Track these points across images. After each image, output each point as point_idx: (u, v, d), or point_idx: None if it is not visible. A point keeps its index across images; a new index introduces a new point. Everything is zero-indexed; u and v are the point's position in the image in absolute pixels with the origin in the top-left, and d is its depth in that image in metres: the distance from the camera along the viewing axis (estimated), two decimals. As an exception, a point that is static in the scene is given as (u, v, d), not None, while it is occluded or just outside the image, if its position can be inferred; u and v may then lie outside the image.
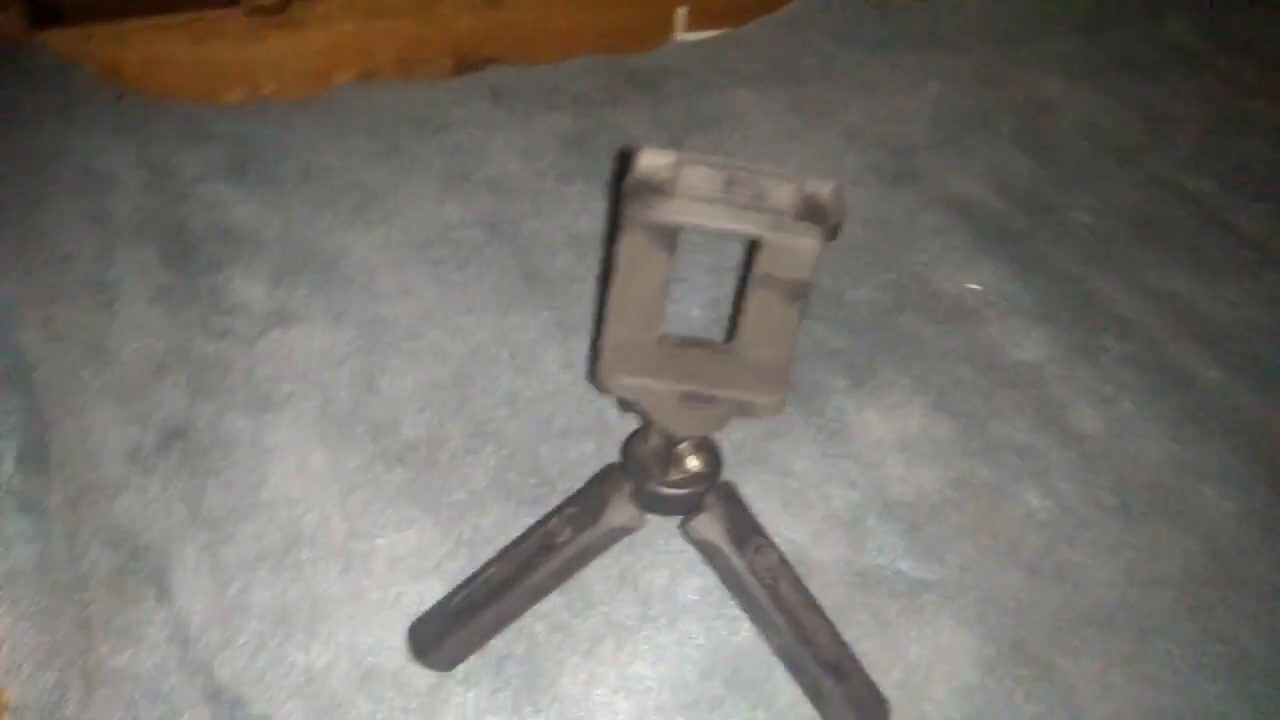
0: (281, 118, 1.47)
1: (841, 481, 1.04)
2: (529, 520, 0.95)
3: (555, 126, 1.51)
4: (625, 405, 0.78)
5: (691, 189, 0.65)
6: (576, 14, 1.68)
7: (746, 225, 0.65)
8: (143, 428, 1.00)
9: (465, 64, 1.64)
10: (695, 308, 1.21)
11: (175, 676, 0.82)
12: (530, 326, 1.17)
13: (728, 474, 0.82)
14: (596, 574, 0.92)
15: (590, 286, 1.23)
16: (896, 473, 1.06)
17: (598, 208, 1.36)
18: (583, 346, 1.15)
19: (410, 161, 1.41)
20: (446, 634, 0.84)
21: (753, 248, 0.67)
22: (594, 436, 1.05)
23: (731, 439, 1.07)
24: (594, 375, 0.73)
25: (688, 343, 0.74)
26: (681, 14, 1.77)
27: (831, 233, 0.65)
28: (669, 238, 0.66)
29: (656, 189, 0.64)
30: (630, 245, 0.67)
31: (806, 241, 0.64)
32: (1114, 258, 1.39)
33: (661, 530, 0.96)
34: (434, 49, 1.62)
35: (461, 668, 0.85)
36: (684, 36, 1.79)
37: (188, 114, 1.44)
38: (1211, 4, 1.99)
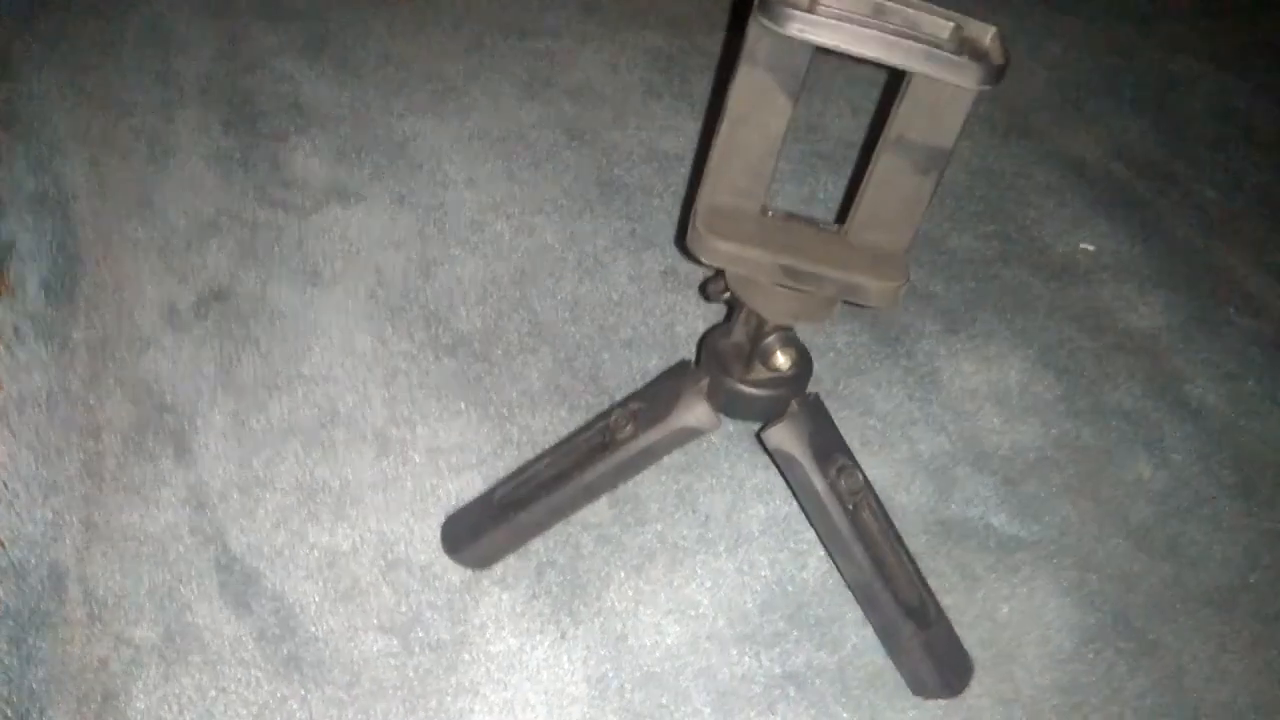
0: (365, 5, 1.39)
1: (930, 426, 0.94)
2: (584, 425, 0.87)
3: (647, 43, 1.42)
4: (709, 292, 0.69)
5: (835, 10, 0.55)
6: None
7: (899, 54, 0.55)
8: (182, 285, 0.93)
9: (560, -24, 1.55)
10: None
11: (186, 542, 0.75)
12: (602, 233, 1.08)
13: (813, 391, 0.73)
14: (652, 490, 0.84)
15: (667, 201, 1.14)
16: (991, 424, 0.96)
17: (684, 125, 1.27)
18: (655, 261, 1.06)
19: (494, 60, 1.33)
20: (484, 528, 0.76)
21: (889, 101, 0.57)
22: (659, 350, 0.96)
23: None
24: (685, 237, 0.64)
25: (795, 217, 0.65)
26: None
27: (995, 76, 0.55)
28: (798, 69, 0.56)
29: (795, 4, 0.55)
30: (748, 82, 0.57)
31: (965, 80, 0.55)
32: (1240, 234, 1.26)
33: (728, 452, 0.87)
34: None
35: (498, 567, 0.76)
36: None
37: (270, -10, 1.37)
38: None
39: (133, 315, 0.89)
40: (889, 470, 0.90)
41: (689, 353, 0.97)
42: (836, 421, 0.92)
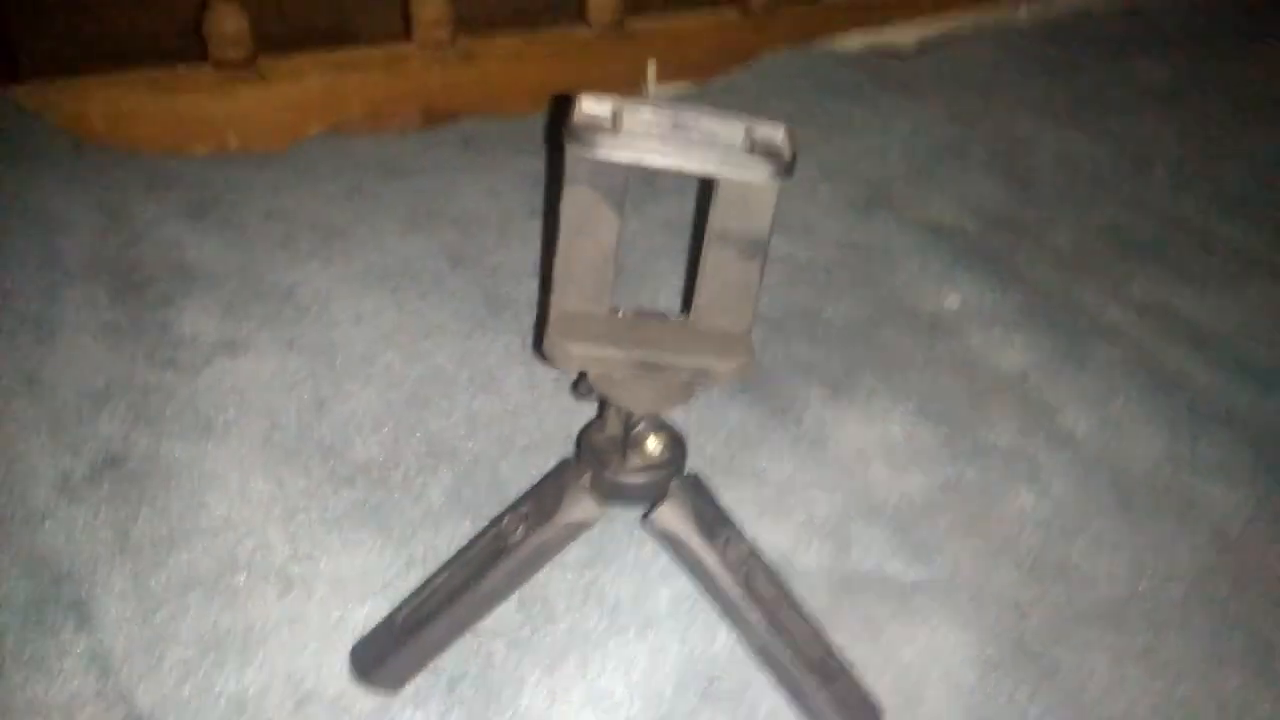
0: (247, 167, 1.45)
1: (823, 488, 0.98)
2: (486, 535, 0.89)
3: (523, 169, 1.49)
4: (580, 390, 0.73)
5: (638, 130, 0.61)
6: (548, 67, 1.68)
7: (697, 162, 0.61)
8: (75, 457, 0.94)
9: (436, 117, 1.63)
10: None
11: (91, 708, 0.74)
12: (493, 349, 1.12)
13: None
14: (559, 588, 0.86)
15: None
16: (880, 478, 1.00)
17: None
18: (548, 369, 1.10)
19: (374, 203, 1.38)
20: (392, 650, 0.77)
21: (707, 201, 0.63)
22: (558, 451, 0.99)
23: (704, 451, 1.01)
24: (541, 345, 0.68)
25: (642, 314, 0.70)
26: (653, 67, 1.77)
27: (786, 169, 0.61)
28: (618, 184, 0.62)
29: (601, 129, 0.60)
30: (574, 200, 0.63)
31: (760, 177, 0.61)
32: (1095, 271, 1.35)
33: (630, 541, 0.90)
34: (404, 102, 1.61)
35: (410, 687, 0.77)
36: (656, 89, 1.79)
37: (150, 164, 1.41)
38: (1181, 48, 2.01)
39: (25, 495, 0.90)
40: (788, 536, 0.93)
41: (585, 451, 1.00)
42: (734, 496, 0.95)
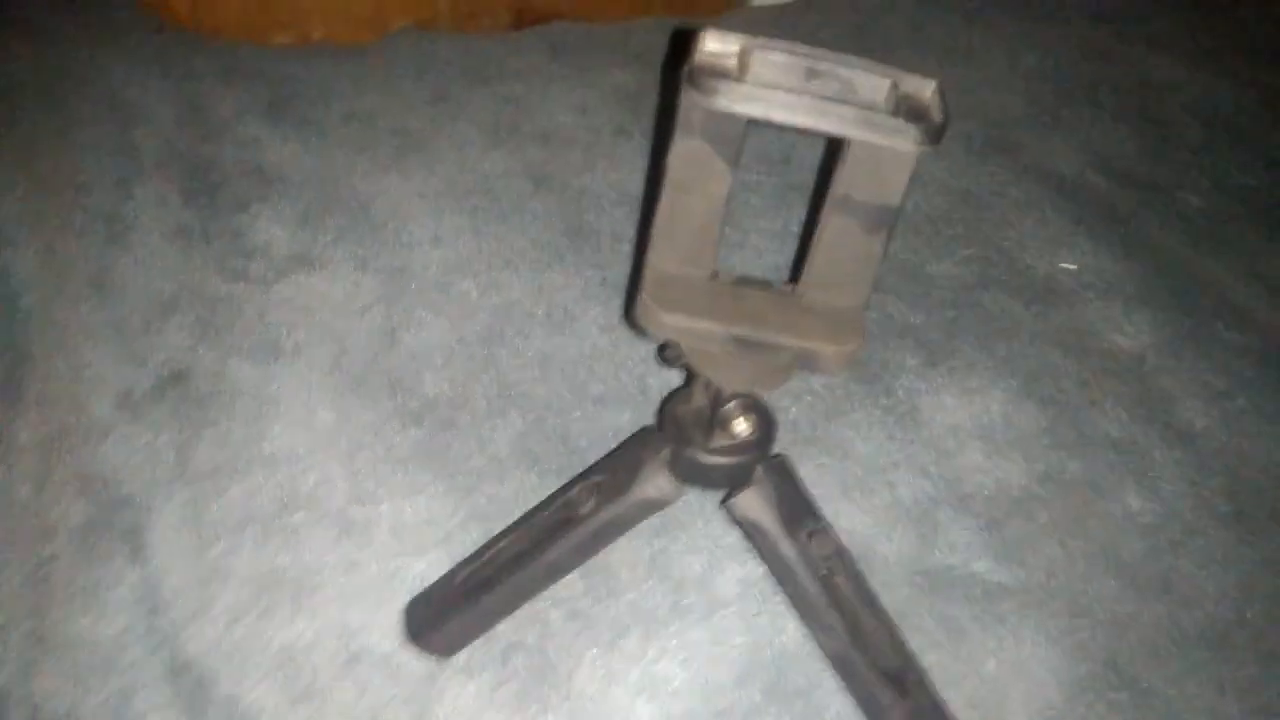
0: (328, 61, 1.39)
1: (911, 469, 0.92)
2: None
3: (615, 83, 1.41)
4: (666, 357, 0.67)
5: (765, 78, 0.53)
6: (647, -27, 1.57)
7: (832, 121, 0.53)
8: (139, 369, 0.92)
9: (525, 18, 1.54)
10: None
11: (137, 648, 0.73)
12: (571, 285, 1.06)
13: (781, 452, 0.70)
14: (624, 556, 0.81)
15: (640, 246, 1.12)
16: (974, 462, 0.93)
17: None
18: (627, 309, 1.04)
19: (458, 109, 1.32)
20: (448, 615, 0.73)
21: (834, 160, 0.55)
22: (631, 406, 0.94)
23: (787, 416, 0.95)
24: (632, 312, 0.62)
25: (745, 281, 0.63)
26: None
27: (934, 135, 0.53)
28: (734, 137, 0.55)
29: (723, 74, 0.53)
30: (685, 151, 0.56)
31: (903, 144, 0.52)
32: (1228, 243, 1.24)
33: (703, 509, 0.85)
34: (494, 1, 1.52)
35: (463, 654, 0.74)
36: (760, 1, 1.67)
37: (231, 53, 1.36)
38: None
39: (87, 405, 0.88)
40: (869, 519, 0.88)
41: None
42: (815, 468, 0.90)
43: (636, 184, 1.22)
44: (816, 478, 0.90)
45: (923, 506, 0.89)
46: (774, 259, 1.11)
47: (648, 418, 0.93)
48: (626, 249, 1.12)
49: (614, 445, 0.90)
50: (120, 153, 1.15)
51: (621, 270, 1.09)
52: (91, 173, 1.11)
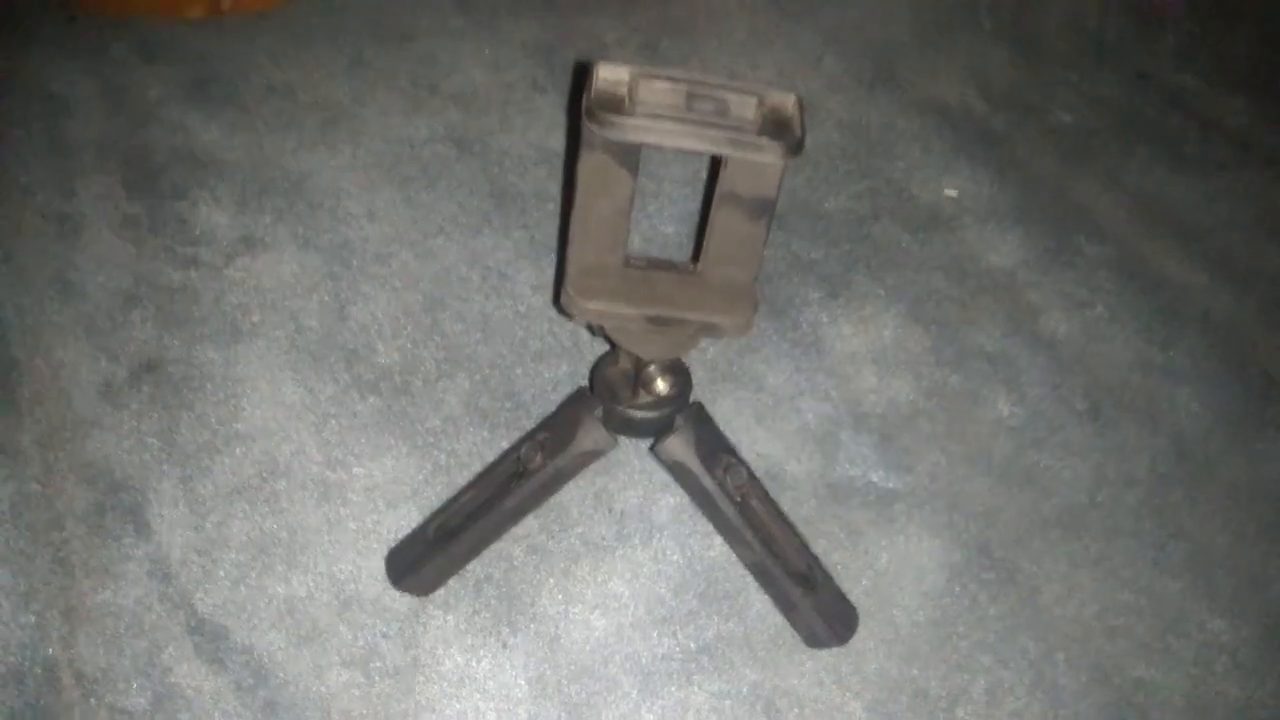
0: (243, 33, 1.42)
1: (815, 395, 1.05)
2: (504, 444, 0.97)
3: (523, 35, 1.47)
4: (593, 330, 0.78)
5: (651, 105, 0.64)
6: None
7: (708, 143, 0.63)
8: (113, 362, 1.00)
9: (430, -31, 1.58)
10: (669, 223, 1.20)
11: (157, 611, 0.84)
12: (502, 246, 1.16)
13: (701, 391, 0.82)
14: (572, 495, 0.94)
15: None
16: (869, 384, 1.07)
17: (568, 120, 1.33)
18: (555, 266, 1.14)
19: (375, 75, 1.37)
20: (424, 560, 0.85)
21: (717, 164, 0.66)
22: (568, 358, 1.06)
23: (705, 356, 1.07)
24: (559, 301, 0.73)
25: (653, 264, 0.74)
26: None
27: (795, 148, 0.64)
28: (631, 153, 0.65)
29: (615, 107, 0.63)
30: (591, 165, 0.66)
31: (769, 158, 0.63)
32: (1093, 158, 1.37)
33: (637, 450, 0.97)
34: (397, -45, 1.56)
35: (440, 592, 0.86)
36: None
37: (146, 33, 1.39)
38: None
39: (72, 401, 0.96)
40: (781, 443, 1.01)
41: (592, 354, 1.06)
42: (733, 402, 1.03)
43: (554, 140, 1.30)
44: (734, 409, 1.03)
45: (826, 428, 1.02)
46: (686, 206, 1.22)
47: (583, 367, 1.05)
48: (550, 207, 1.22)
49: (555, 396, 1.02)
50: (56, 150, 1.20)
51: (547, 229, 1.18)
52: (33, 173, 1.16)
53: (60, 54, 1.32)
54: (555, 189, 1.24)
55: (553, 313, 1.09)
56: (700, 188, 1.24)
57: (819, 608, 0.85)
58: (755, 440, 1.00)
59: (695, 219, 1.21)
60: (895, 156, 1.34)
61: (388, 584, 0.87)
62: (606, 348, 0.82)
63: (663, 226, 1.20)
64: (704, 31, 1.50)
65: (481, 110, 1.34)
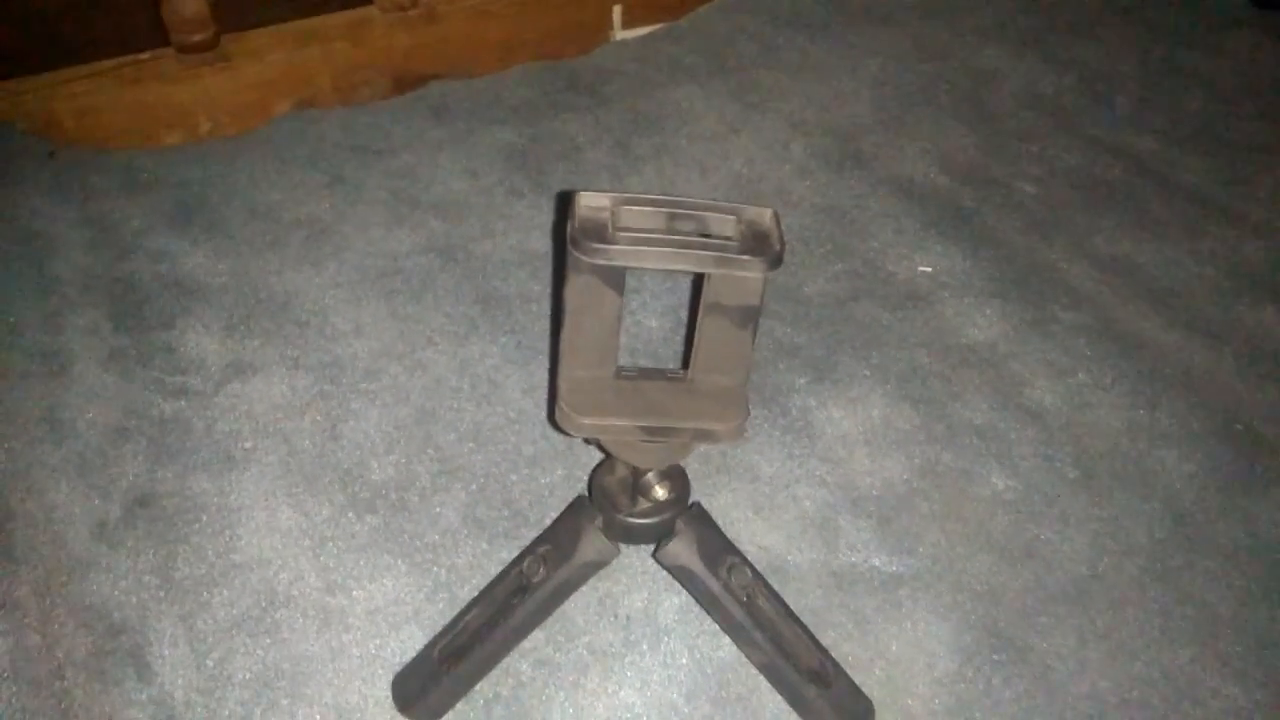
0: (222, 157, 1.45)
1: (810, 481, 1.06)
2: (504, 555, 0.97)
3: (499, 140, 1.51)
4: (588, 440, 0.79)
5: (634, 229, 0.65)
6: (512, 22, 1.67)
7: (693, 263, 0.65)
8: (106, 499, 0.99)
9: (405, 82, 1.63)
10: (653, 318, 1.21)
11: (164, 754, 0.82)
12: (490, 354, 1.17)
13: (697, 484, 0.82)
14: (576, 603, 0.93)
15: (546, 306, 1.23)
16: (863, 466, 1.07)
17: (547, 221, 1.36)
18: (543, 369, 1.15)
19: (355, 191, 1.40)
20: (430, 684, 0.84)
21: (702, 278, 0.67)
22: (562, 462, 1.06)
23: (699, 450, 1.07)
24: (554, 418, 0.74)
25: (644, 374, 0.75)
26: (618, 12, 1.76)
27: (775, 261, 0.66)
28: (616, 275, 0.66)
29: (599, 234, 0.64)
30: (578, 287, 0.67)
31: (751, 271, 0.65)
32: (1060, 226, 1.40)
33: (637, 553, 0.97)
34: (371, 70, 1.61)
35: (449, 716, 0.85)
36: (622, 35, 1.78)
37: (126, 163, 1.42)
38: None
39: (66, 544, 0.95)
40: (780, 534, 1.01)
41: (588, 458, 1.06)
42: (730, 495, 1.03)
43: (534, 242, 1.33)
44: (731, 502, 1.03)
45: (824, 514, 1.03)
46: (669, 300, 1.23)
47: (579, 471, 1.05)
48: (535, 308, 1.23)
49: (552, 501, 1.02)
50: (42, 286, 1.21)
51: (533, 331, 1.19)
52: (19, 311, 1.17)
53: (40, 189, 1.34)
54: (539, 289, 1.25)
55: (544, 416, 1.10)
56: (681, 281, 1.26)
57: (834, 704, 0.84)
58: (755, 533, 1.00)
59: (679, 312, 1.22)
60: (869, 236, 1.37)
61: (395, 712, 0.85)
62: (599, 453, 0.82)
63: (647, 321, 1.21)
64: (672, 128, 1.54)
65: (462, 218, 1.36)
